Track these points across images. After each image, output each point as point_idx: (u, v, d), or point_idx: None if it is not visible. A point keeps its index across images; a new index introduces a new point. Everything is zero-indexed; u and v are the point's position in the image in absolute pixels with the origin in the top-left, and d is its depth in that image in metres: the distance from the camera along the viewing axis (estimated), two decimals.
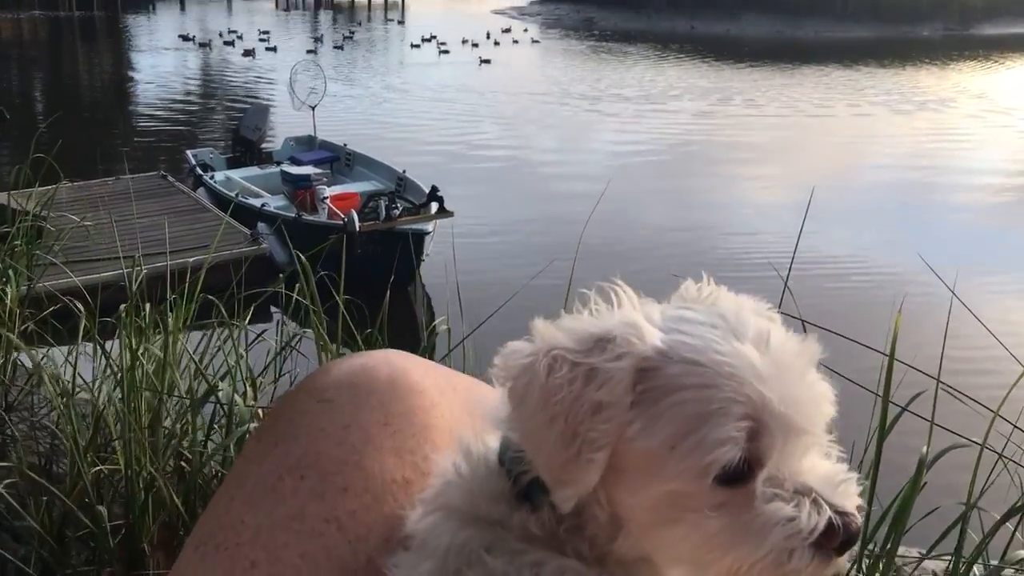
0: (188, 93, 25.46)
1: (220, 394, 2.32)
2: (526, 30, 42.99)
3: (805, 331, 2.09)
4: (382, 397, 0.93)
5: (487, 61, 31.06)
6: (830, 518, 0.68)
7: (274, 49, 31.36)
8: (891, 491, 1.88)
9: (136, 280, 3.25)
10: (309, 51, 33.13)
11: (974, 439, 1.80)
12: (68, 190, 11.61)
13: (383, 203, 10.84)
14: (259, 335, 3.13)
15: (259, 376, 2.94)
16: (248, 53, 32.54)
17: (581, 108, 23.44)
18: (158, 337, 2.96)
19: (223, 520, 0.88)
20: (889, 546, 1.80)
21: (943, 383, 1.92)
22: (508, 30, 40.69)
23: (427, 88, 25.47)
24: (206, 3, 56.52)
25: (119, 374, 2.73)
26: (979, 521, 1.86)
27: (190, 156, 14.07)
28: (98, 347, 3.07)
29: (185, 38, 36.08)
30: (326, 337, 2.43)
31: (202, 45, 35.04)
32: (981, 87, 28.93)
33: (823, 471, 0.71)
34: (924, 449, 1.77)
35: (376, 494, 0.88)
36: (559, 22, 47.56)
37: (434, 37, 36.76)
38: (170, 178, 13.05)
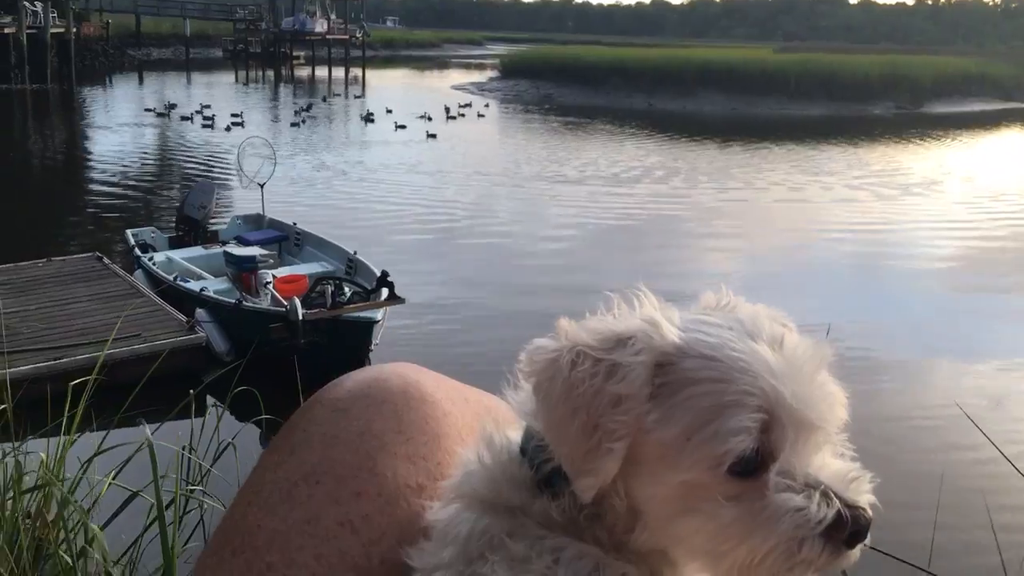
0: (140, 169, 24.87)
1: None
2: (487, 105, 43.18)
3: None
4: (395, 406, 0.95)
5: (433, 136, 30.90)
6: (839, 510, 0.70)
7: (241, 124, 30.98)
8: None
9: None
10: (294, 124, 33.01)
11: None
12: None
13: (330, 289, 10.28)
14: (135, 497, 2.57)
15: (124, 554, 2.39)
16: (208, 123, 32.21)
17: (539, 185, 23.26)
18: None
19: (239, 526, 0.88)
20: None
21: None
22: (468, 104, 40.80)
23: (381, 164, 25.20)
24: (164, 76, 56.19)
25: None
26: None
27: (129, 236, 13.42)
28: None
29: (158, 112, 35.51)
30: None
31: (161, 116, 34.56)
32: (933, 164, 29.48)
33: (834, 468, 0.73)
34: None
35: (389, 498, 0.88)
36: (518, 98, 47.85)
37: (390, 111, 36.67)
38: (105, 260, 12.38)
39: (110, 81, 51.60)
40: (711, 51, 58.09)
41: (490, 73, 58.78)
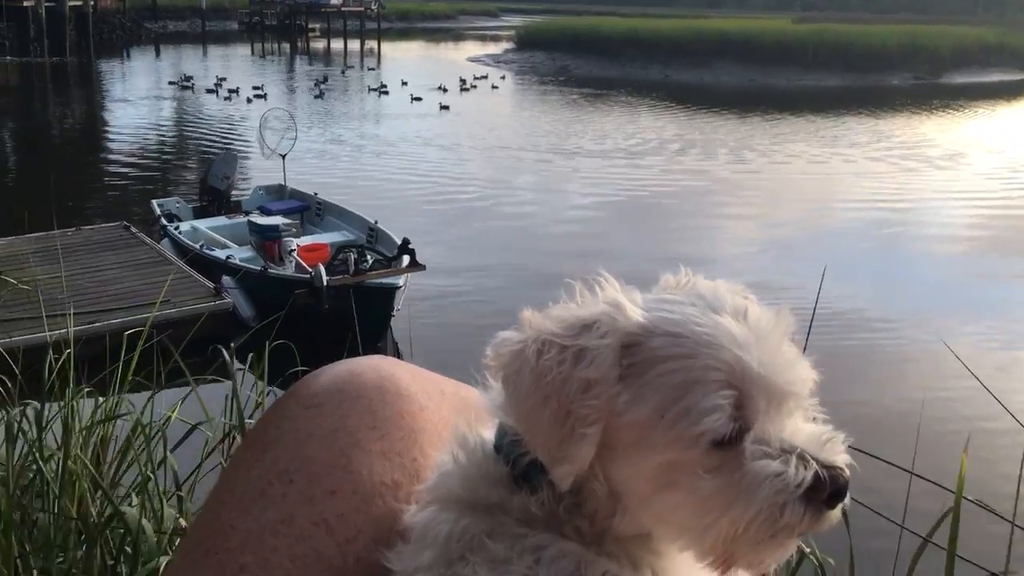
0: (161, 141, 25.15)
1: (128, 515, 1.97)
2: (503, 77, 43.14)
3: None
4: (370, 402, 0.93)
5: (446, 107, 30.92)
6: (817, 471, 0.70)
7: (264, 96, 31.22)
8: None
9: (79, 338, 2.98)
10: (316, 96, 32.96)
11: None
12: (26, 242, 11.27)
13: (352, 256, 10.54)
14: (194, 427, 2.79)
15: (188, 478, 2.61)
16: (230, 95, 32.42)
17: (556, 158, 23.34)
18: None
19: (212, 526, 0.88)
20: None
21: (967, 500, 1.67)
22: (484, 76, 40.79)
23: (399, 137, 25.31)
24: (181, 48, 56.36)
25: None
26: None
27: (155, 206, 13.72)
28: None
29: (180, 83, 35.73)
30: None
31: (184, 88, 34.81)
32: (951, 135, 29.22)
33: (808, 431, 0.73)
34: None
35: (365, 496, 0.88)
36: (534, 70, 47.75)
37: (405, 83, 36.76)
38: (133, 229, 12.68)
39: (127, 54, 51.83)
40: (728, 22, 57.64)
41: (505, 45, 58.56)
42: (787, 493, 0.70)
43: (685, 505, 0.72)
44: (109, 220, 13.68)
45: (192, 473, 2.70)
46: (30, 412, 2.73)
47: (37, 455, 2.31)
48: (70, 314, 3.80)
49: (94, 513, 2.14)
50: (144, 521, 1.92)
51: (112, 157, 22.89)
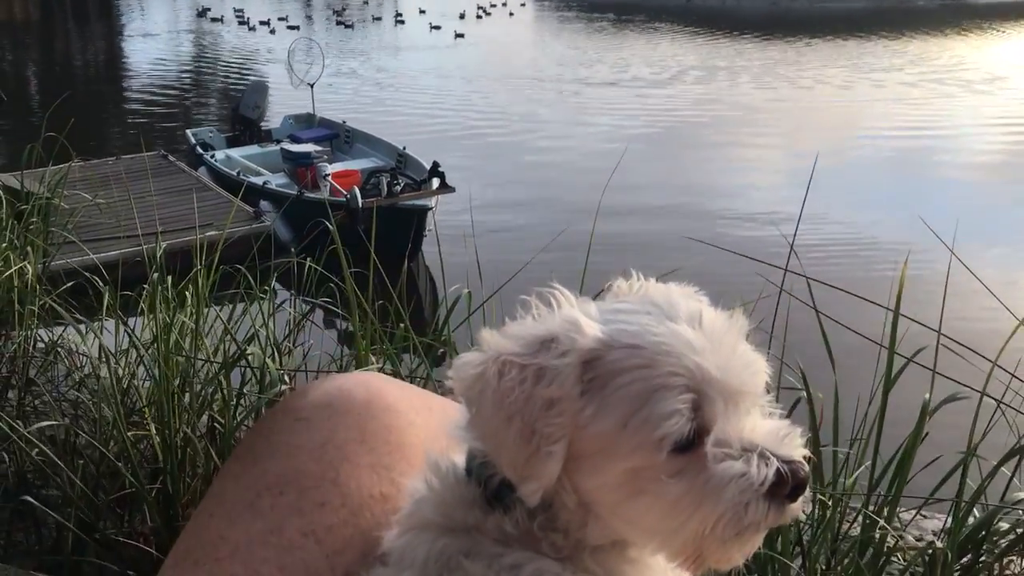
0: (186, 72, 25.36)
1: (250, 357, 2.40)
2: (523, 4, 42.70)
3: (811, 292, 2.19)
4: (358, 417, 0.96)
5: (461, 35, 30.83)
6: (778, 468, 0.73)
7: (297, 27, 31.31)
8: (896, 443, 1.97)
9: (157, 255, 3.33)
10: (344, 24, 32.84)
11: (974, 388, 1.88)
12: (77, 169, 11.67)
13: (384, 179, 10.89)
14: (279, 304, 3.19)
15: (283, 341, 3.00)
16: (252, 28, 32.46)
17: (580, 86, 23.29)
18: (182, 309, 3.03)
19: (202, 537, 0.89)
20: (893, 494, 1.89)
21: (944, 336, 2.00)
22: (504, 3, 40.42)
23: (420, 69, 25.27)
24: None
25: (147, 343, 2.80)
26: (979, 468, 1.94)
27: (190, 135, 14.09)
28: (119, 321, 3.16)
29: (213, 17, 35.67)
30: (351, 302, 2.48)
31: (216, 21, 34.79)
32: (979, 57, 28.69)
33: (767, 428, 0.76)
34: (926, 396, 1.86)
35: (353, 509, 0.90)
36: None
37: (423, 12, 36.60)
38: (170, 157, 13.07)
39: None
40: None
41: None
42: (751, 492, 0.72)
43: (653, 509, 0.74)
44: (138, 151, 14.02)
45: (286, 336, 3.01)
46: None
47: (173, 328, 2.64)
48: (140, 234, 4.14)
49: (224, 356, 2.54)
50: (265, 359, 2.33)
51: (138, 89, 23.16)
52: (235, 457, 0.98)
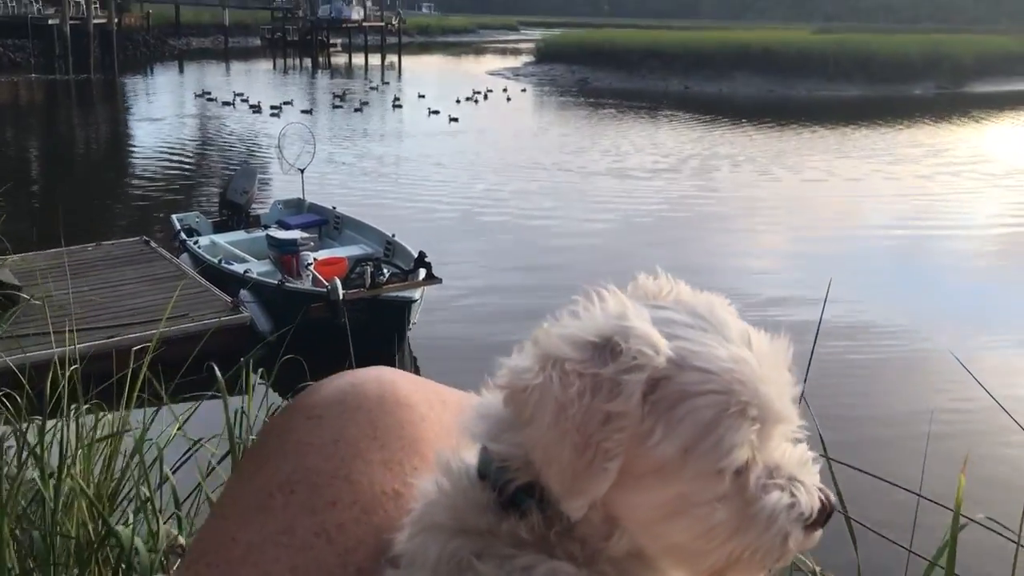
0: (183, 156, 25.35)
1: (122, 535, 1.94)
2: (524, 90, 43.28)
3: (834, 477, 1.80)
4: (370, 412, 0.93)
5: (455, 119, 30.98)
6: (820, 499, 0.73)
7: (309, 112, 31.69)
8: None
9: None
10: (339, 107, 33.13)
11: None
12: (45, 257, 11.37)
13: (369, 269, 10.55)
14: (196, 444, 2.77)
15: (188, 496, 2.59)
16: (254, 108, 32.85)
17: (574, 171, 23.29)
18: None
19: (214, 538, 0.88)
20: None
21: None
22: (504, 90, 40.95)
23: (419, 153, 25.33)
24: (204, 64, 56.90)
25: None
26: None
27: (175, 221, 13.82)
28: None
29: (223, 101, 35.91)
30: None
31: (227, 104, 35.05)
32: (975, 145, 28.86)
33: (797, 455, 0.75)
34: None
35: (365, 506, 0.88)
36: (553, 82, 47.81)
37: (423, 96, 36.98)
38: (152, 243, 12.77)
39: (151, 71, 52.39)
40: (748, 33, 57.54)
41: (525, 58, 58.71)
42: (799, 523, 0.73)
43: (690, 530, 0.72)
44: (131, 235, 13.80)
45: (193, 491, 2.67)
46: (33, 429, 2.72)
47: (36, 473, 2.29)
48: (73, 330, 3.78)
49: (91, 531, 2.12)
50: (137, 540, 1.89)
51: (135, 173, 23.12)
52: (248, 457, 0.97)
